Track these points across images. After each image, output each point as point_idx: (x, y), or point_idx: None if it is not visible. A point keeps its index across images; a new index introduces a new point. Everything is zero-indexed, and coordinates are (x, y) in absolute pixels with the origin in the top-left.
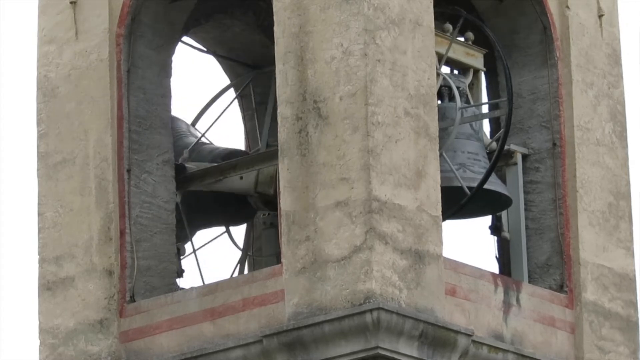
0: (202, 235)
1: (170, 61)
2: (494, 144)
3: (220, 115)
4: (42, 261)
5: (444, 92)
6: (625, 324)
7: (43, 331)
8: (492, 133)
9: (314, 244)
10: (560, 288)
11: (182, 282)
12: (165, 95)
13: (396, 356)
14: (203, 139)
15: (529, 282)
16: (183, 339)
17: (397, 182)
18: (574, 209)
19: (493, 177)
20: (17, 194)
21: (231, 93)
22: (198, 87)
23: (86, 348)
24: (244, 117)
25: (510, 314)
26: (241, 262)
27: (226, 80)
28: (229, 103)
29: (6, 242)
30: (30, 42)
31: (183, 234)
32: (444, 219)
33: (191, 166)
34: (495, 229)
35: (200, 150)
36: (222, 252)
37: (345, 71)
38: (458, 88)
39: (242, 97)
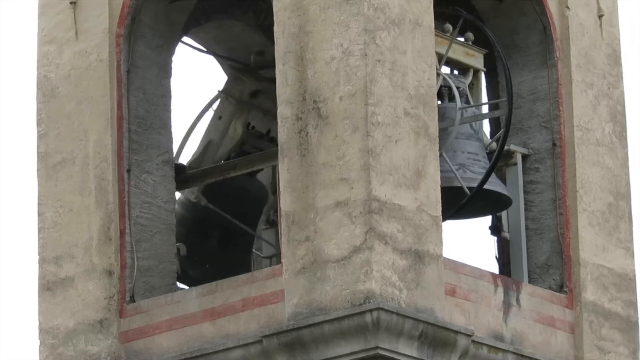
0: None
1: (170, 61)
2: (494, 144)
3: (197, 119)
4: (42, 261)
5: (444, 92)
6: (625, 324)
7: (43, 331)
8: (492, 133)
9: (314, 244)
10: (560, 288)
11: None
12: (165, 95)
13: (396, 356)
14: None
15: (529, 282)
16: (183, 339)
17: (397, 182)
18: (574, 209)
19: (493, 177)
20: (17, 194)
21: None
22: (198, 87)
23: (86, 348)
24: None
25: (510, 314)
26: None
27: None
28: (208, 103)
29: (6, 242)
30: (30, 42)
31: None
32: (444, 219)
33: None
34: (495, 229)
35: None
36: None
37: (345, 71)
38: (458, 88)
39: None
